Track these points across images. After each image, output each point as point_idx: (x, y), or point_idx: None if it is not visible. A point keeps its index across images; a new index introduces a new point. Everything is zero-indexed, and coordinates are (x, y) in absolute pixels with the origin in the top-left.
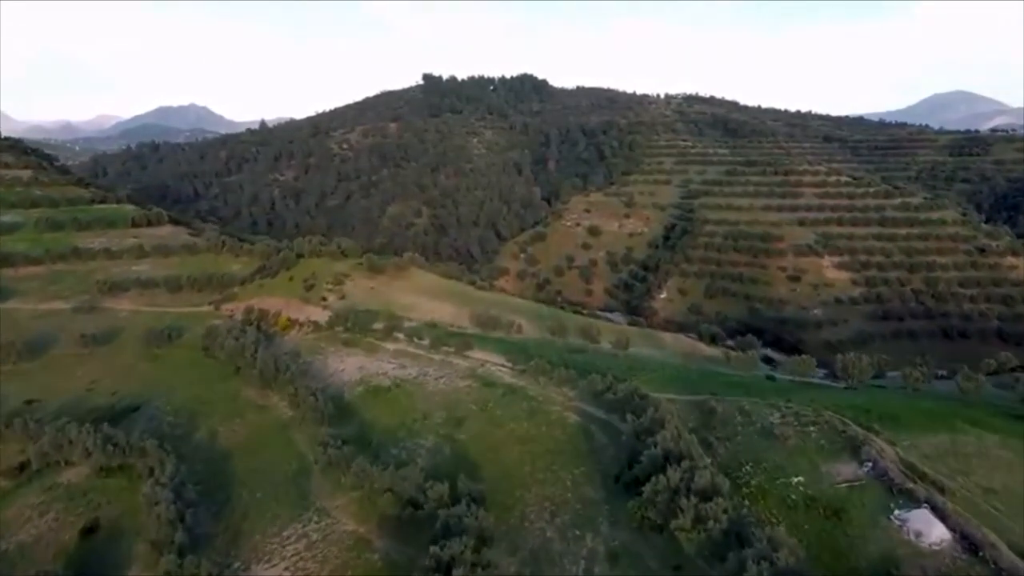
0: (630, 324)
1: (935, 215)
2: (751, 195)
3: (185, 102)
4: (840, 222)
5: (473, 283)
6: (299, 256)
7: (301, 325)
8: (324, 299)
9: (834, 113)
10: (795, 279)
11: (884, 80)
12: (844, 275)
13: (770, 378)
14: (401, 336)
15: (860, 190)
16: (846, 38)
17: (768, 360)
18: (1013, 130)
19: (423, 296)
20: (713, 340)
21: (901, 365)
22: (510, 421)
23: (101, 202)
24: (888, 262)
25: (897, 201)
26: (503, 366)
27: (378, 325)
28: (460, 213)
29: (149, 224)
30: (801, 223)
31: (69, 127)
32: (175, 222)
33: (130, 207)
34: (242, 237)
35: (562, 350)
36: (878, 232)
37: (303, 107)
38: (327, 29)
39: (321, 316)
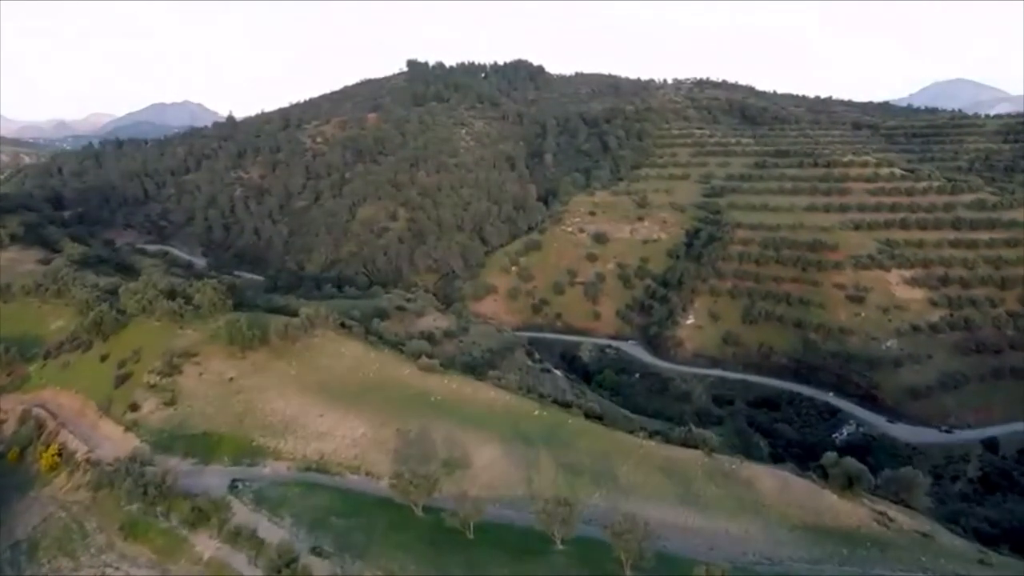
0: (686, 442)
1: (1019, 214)
2: (788, 192)
3: (179, 99)
4: (904, 225)
5: (420, 356)
6: (128, 316)
7: (77, 466)
8: (135, 407)
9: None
10: (857, 300)
11: (884, 69)
12: (918, 294)
13: None
14: (233, 518)
15: (920, 184)
16: (843, 29)
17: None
18: None
19: (319, 397)
20: (849, 485)
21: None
22: None
23: None
24: (972, 276)
25: (968, 198)
26: None
27: (213, 475)
28: (441, 216)
29: None
30: (857, 227)
31: (63, 125)
32: (42, 242)
33: None
34: (127, 262)
35: None
36: (953, 238)
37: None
38: (326, 23)
39: (118, 444)
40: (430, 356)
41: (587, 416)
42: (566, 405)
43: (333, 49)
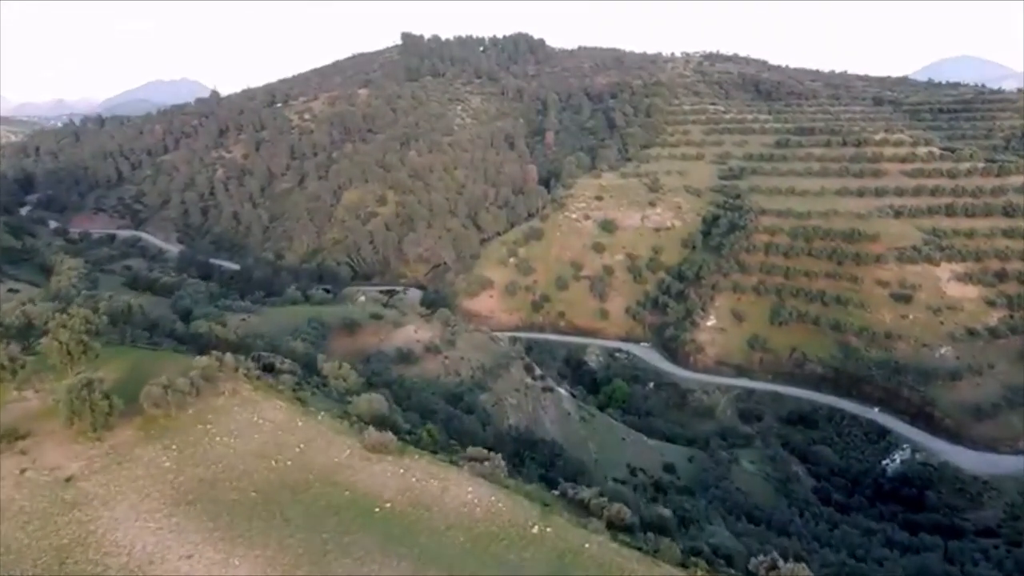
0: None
1: None
2: (816, 174)
3: (178, 76)
4: (950, 212)
5: (368, 424)
6: None
7: None
8: None
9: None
10: (904, 299)
11: (887, 45)
12: (972, 291)
13: None
14: None
15: (963, 166)
16: (844, 5)
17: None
18: None
19: (195, 515)
20: None
21: None
22: None
23: None
24: None
25: (1019, 181)
26: None
27: None
28: (433, 200)
29: None
30: (897, 214)
31: (61, 104)
32: None
33: None
34: (47, 261)
35: None
36: (1007, 226)
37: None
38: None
39: None
40: (382, 423)
41: (611, 527)
42: (582, 506)
43: (327, 22)
